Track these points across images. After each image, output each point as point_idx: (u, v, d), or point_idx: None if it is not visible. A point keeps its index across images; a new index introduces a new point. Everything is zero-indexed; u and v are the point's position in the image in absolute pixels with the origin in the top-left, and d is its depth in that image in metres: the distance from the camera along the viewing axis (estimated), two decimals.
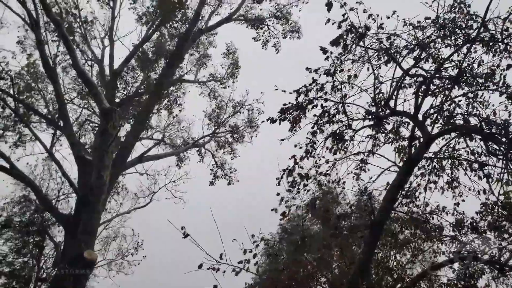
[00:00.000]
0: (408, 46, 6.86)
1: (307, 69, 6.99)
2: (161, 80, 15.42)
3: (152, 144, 18.82)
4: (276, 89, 7.27)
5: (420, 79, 7.22)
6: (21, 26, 15.05)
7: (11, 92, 13.18)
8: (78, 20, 16.53)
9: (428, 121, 7.65)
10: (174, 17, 16.94)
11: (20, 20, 13.46)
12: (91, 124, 17.87)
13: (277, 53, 19.25)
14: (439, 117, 7.83)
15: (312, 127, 7.45)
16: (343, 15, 6.53)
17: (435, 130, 7.62)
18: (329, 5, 6.33)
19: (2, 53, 13.83)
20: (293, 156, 7.32)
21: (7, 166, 12.18)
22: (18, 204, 16.64)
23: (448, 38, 6.76)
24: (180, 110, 19.77)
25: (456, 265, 9.28)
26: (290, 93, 7.22)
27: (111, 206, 19.28)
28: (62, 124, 12.87)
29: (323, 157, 7.59)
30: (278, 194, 7.15)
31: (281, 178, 7.01)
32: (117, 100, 16.50)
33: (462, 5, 6.58)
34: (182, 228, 5.48)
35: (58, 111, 13.16)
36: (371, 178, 8.27)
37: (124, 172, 15.86)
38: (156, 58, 18.00)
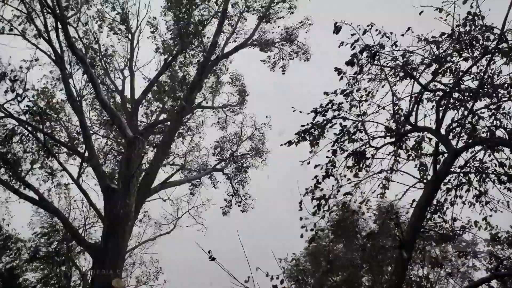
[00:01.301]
0: (425, 62, 6.84)
1: (325, 93, 7.05)
2: (182, 107, 15.74)
3: (173, 170, 19.06)
4: (294, 111, 7.31)
5: (440, 93, 7.14)
6: (46, 63, 15.71)
7: (40, 126, 13.68)
8: (99, 54, 17.20)
9: (451, 135, 7.55)
10: (192, 45, 17.42)
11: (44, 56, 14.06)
12: (115, 153, 18.29)
13: (283, 74, 19.58)
14: (462, 130, 7.69)
15: (332, 146, 7.42)
16: (352, 35, 6.59)
17: (459, 144, 7.50)
18: (336, 30, 6.42)
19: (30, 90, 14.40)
20: (316, 177, 7.28)
21: (36, 197, 12.54)
22: (46, 235, 17.00)
23: (465, 51, 6.71)
24: (200, 137, 20.11)
25: (494, 283, 8.89)
26: (308, 113, 7.25)
27: (135, 233, 19.49)
28: (87, 155, 13.21)
29: (345, 176, 7.53)
30: (301, 219, 7.09)
31: (301, 203, 6.94)
32: (139, 128, 16.90)
33: (476, 17, 6.54)
34: (209, 251, 5.48)
35: (84, 143, 13.54)
36: (396, 196, 8.14)
37: (147, 199, 16.04)
38: (176, 87, 18.45)
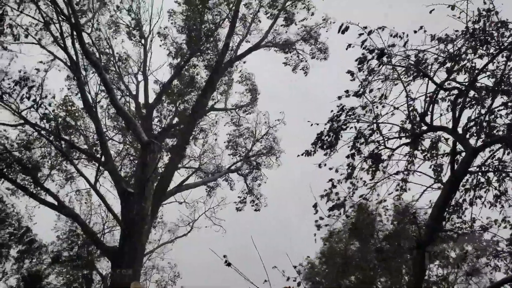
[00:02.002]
0: (439, 60, 6.71)
1: (339, 97, 6.99)
2: (195, 110, 15.84)
3: (189, 173, 19.19)
4: (311, 125, 7.24)
5: (455, 92, 7.00)
6: (62, 69, 15.98)
7: (56, 132, 13.94)
8: (113, 59, 17.44)
9: (468, 134, 7.39)
10: (204, 48, 17.50)
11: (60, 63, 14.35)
12: (131, 158, 18.51)
13: (305, 75, 19.33)
14: (480, 129, 7.52)
15: (350, 150, 7.35)
16: (360, 34, 6.51)
17: (477, 143, 7.34)
18: (342, 30, 6.38)
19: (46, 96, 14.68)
20: (331, 180, 7.23)
21: (55, 203, 12.79)
22: (66, 240, 17.32)
23: (480, 48, 6.56)
24: (215, 140, 20.19)
25: None
26: (325, 124, 7.21)
27: (152, 237, 19.68)
28: (104, 160, 13.40)
29: (361, 178, 7.45)
30: (317, 221, 7.05)
31: (316, 206, 6.90)
32: (154, 132, 17.07)
33: (489, 13, 6.39)
34: (224, 256, 5.49)
35: (100, 148, 13.74)
36: (414, 197, 8.04)
37: (163, 202, 16.19)
38: (188, 89, 18.57)
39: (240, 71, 20.04)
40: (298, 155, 7.49)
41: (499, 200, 7.81)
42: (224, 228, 19.73)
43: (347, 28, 6.44)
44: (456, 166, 6.94)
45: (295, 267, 5.56)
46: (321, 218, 7.21)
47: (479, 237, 8.72)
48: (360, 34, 6.47)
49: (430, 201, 7.14)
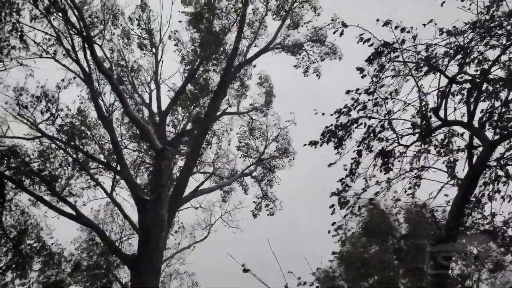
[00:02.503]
0: (449, 53, 6.58)
1: (347, 92, 6.91)
2: (207, 115, 15.91)
3: (204, 178, 19.27)
4: (316, 113, 7.21)
5: (468, 85, 6.85)
6: (77, 83, 16.28)
7: (73, 143, 14.19)
8: (125, 70, 17.68)
9: (485, 127, 7.21)
10: (215, 54, 17.58)
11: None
12: (146, 165, 18.70)
13: (318, 78, 19.13)
14: (497, 122, 7.33)
15: (358, 146, 7.25)
16: (361, 36, 6.44)
17: (494, 136, 7.15)
18: (342, 30, 6.34)
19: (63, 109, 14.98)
20: (341, 179, 7.14)
21: (73, 213, 12.97)
22: (86, 249, 17.54)
23: (492, 39, 6.40)
24: (229, 144, 20.24)
25: None
26: (331, 114, 7.12)
27: (170, 243, 19.79)
28: (119, 169, 13.55)
29: (374, 176, 7.33)
30: (333, 224, 6.97)
31: (333, 206, 6.82)
32: (168, 139, 17.21)
33: (500, 3, 6.23)
34: (242, 265, 5.48)
35: (115, 157, 13.91)
36: (431, 194, 7.87)
37: (180, 208, 16.27)
38: (201, 95, 18.68)
39: (259, 73, 20.16)
40: (304, 145, 7.39)
41: None
42: (242, 229, 19.73)
43: (345, 26, 6.39)
44: (473, 161, 6.79)
45: (313, 273, 5.52)
46: (334, 223, 7.15)
47: (502, 233, 8.47)
48: (361, 35, 6.40)
49: (447, 196, 6.98)
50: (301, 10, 18.38)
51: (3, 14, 11.98)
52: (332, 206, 7.18)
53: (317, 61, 18.86)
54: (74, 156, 14.13)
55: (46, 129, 14.15)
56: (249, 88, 20.47)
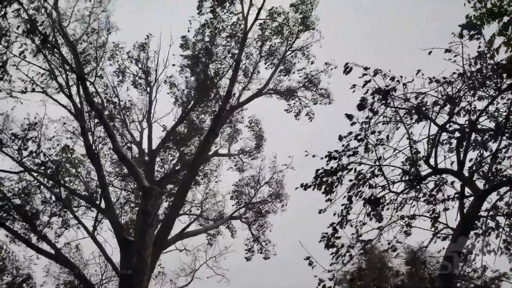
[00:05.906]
0: (439, 102, 6.69)
1: (340, 138, 6.92)
2: (197, 156, 15.79)
3: (190, 219, 18.78)
4: (306, 155, 7.17)
5: (457, 134, 6.92)
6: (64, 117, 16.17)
7: (56, 179, 13.88)
8: (118, 107, 17.70)
9: (475, 177, 7.21)
10: (208, 97, 17.77)
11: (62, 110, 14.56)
12: (131, 205, 18.25)
13: (310, 121, 19.28)
14: (487, 171, 7.36)
15: (348, 192, 7.15)
16: (364, 74, 6.54)
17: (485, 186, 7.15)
18: (347, 70, 6.44)
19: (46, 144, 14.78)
20: (332, 224, 6.98)
21: (53, 252, 12.44)
22: None
23: (480, 90, 6.56)
24: (216, 182, 19.97)
25: None
26: (322, 158, 7.08)
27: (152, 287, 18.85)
28: (105, 207, 13.19)
29: (365, 224, 7.18)
30: (316, 276, 6.72)
31: (309, 259, 6.60)
32: (156, 179, 16.93)
33: (485, 56, 6.44)
34: None
35: (101, 194, 13.58)
36: (423, 243, 7.72)
37: (164, 250, 15.70)
38: (192, 136, 18.66)
39: (250, 116, 20.32)
40: (296, 188, 7.29)
41: (509, 247, 7.46)
42: (227, 278, 18.93)
43: (351, 69, 6.49)
44: (465, 210, 6.71)
45: None
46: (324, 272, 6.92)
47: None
48: (364, 74, 6.49)
49: (435, 242, 6.83)
50: (294, 58, 18.84)
51: None
52: (308, 258, 6.96)
53: (308, 106, 19.10)
54: (57, 192, 13.77)
55: (30, 166, 13.88)
56: (241, 132, 20.59)
